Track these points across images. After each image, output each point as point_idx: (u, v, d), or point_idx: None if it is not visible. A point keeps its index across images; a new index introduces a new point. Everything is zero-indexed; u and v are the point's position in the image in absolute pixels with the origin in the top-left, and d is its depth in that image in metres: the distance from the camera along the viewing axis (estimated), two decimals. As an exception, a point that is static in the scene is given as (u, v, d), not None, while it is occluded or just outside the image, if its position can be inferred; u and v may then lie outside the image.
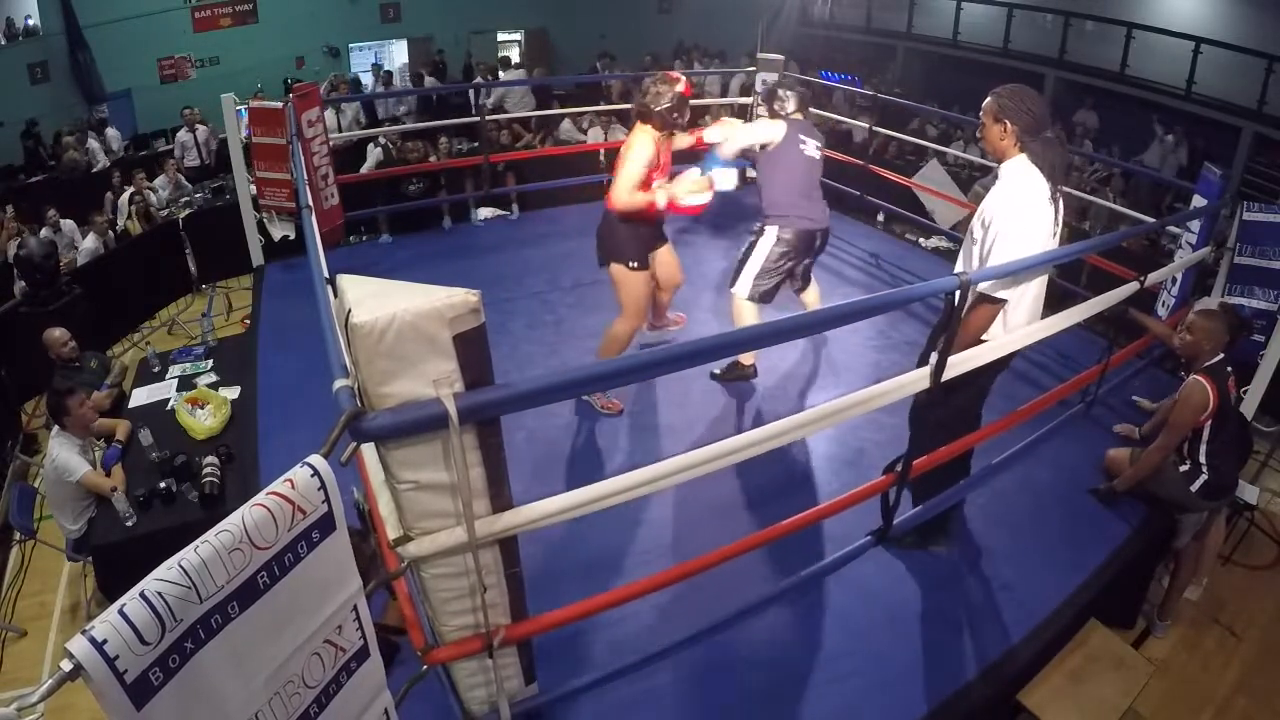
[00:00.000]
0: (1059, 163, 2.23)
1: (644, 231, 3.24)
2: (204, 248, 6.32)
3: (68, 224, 6.31)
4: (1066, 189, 5.79)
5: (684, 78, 3.13)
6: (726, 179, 3.53)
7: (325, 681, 1.33)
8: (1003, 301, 2.20)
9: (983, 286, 2.13)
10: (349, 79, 10.31)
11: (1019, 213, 2.18)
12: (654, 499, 1.81)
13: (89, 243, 6.01)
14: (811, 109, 3.65)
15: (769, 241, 3.38)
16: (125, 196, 6.60)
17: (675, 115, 3.08)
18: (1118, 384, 3.59)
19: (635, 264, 3.23)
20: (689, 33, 12.45)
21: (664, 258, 3.50)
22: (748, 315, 3.48)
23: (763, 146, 3.43)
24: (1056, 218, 2.25)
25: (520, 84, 9.70)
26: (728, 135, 3.41)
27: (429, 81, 10.21)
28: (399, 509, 1.53)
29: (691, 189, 3.14)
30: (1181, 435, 2.75)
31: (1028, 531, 2.80)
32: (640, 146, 3.06)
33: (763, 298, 3.47)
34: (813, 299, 3.82)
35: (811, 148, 3.36)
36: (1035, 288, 2.32)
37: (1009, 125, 2.20)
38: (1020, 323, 2.31)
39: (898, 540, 2.59)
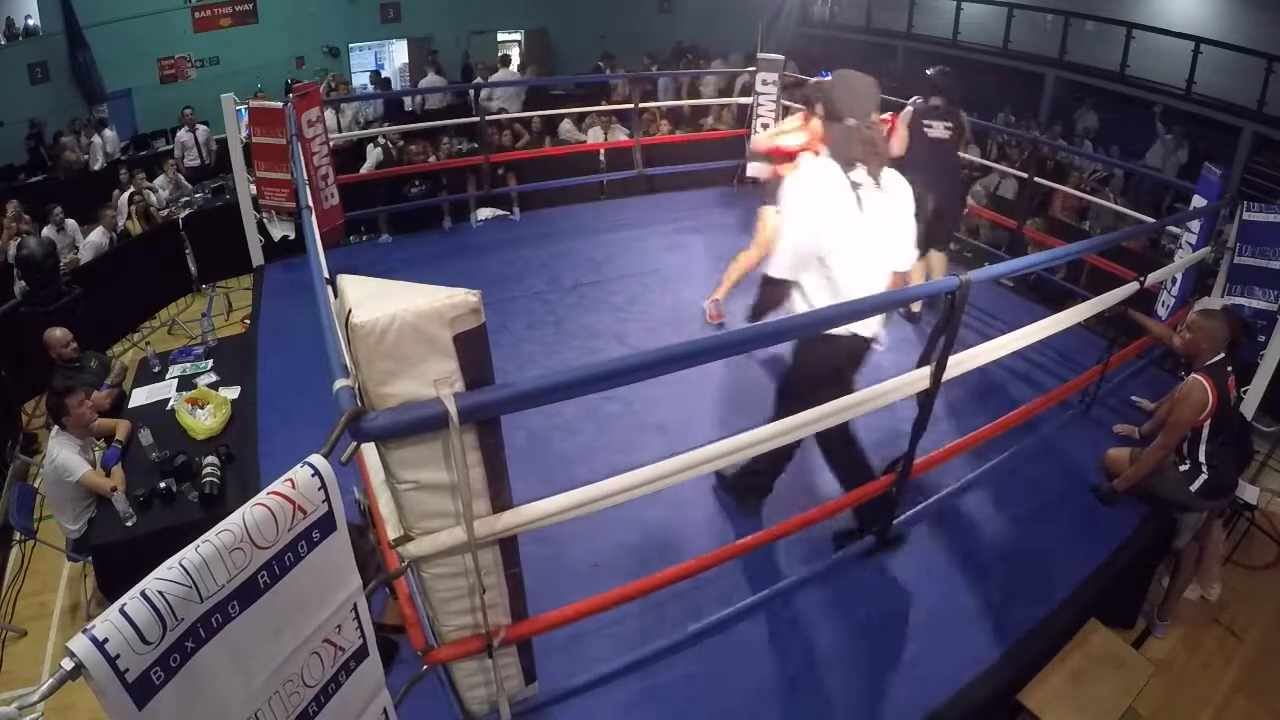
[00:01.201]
0: (852, 152, 2.18)
1: None
2: (204, 248, 6.31)
3: (71, 223, 6.31)
4: (1068, 189, 5.80)
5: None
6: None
7: (324, 681, 1.33)
8: (785, 282, 2.30)
9: (769, 269, 2.35)
10: (347, 80, 10.26)
11: (792, 200, 2.28)
12: (654, 499, 1.81)
13: (95, 237, 6.01)
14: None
15: None
16: (125, 196, 6.60)
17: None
18: (1117, 384, 3.59)
19: (778, 209, 4.06)
20: (689, 33, 12.43)
21: None
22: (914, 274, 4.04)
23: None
24: (864, 205, 2.17)
25: (520, 84, 9.68)
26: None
27: (432, 80, 10.15)
28: (399, 509, 1.53)
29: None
30: (1181, 434, 2.75)
31: (1028, 532, 2.80)
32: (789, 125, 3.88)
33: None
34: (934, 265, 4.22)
35: (939, 129, 3.96)
36: (842, 278, 2.22)
37: (817, 110, 2.26)
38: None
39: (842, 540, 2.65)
